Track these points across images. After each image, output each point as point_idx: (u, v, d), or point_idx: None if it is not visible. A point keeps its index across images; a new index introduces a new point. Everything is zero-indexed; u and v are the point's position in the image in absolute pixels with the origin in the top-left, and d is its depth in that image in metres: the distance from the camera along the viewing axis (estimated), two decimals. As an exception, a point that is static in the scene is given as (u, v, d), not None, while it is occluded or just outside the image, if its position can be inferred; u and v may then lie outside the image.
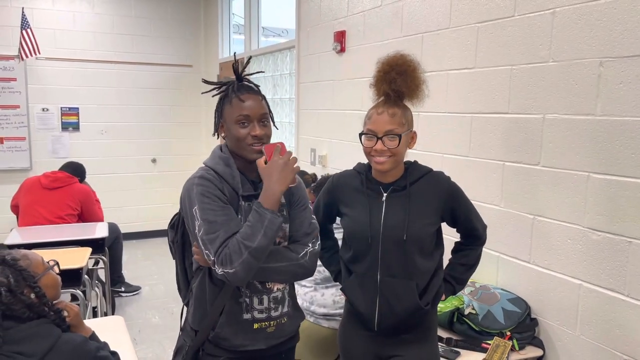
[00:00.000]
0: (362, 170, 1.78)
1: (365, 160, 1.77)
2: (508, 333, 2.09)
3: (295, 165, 1.49)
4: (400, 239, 1.64)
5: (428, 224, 1.68)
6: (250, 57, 1.86)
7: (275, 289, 1.59)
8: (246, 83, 1.58)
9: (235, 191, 1.53)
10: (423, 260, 1.69)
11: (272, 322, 1.58)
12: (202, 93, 1.69)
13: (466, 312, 2.15)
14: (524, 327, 2.12)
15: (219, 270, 1.40)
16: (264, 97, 1.59)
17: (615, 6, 1.82)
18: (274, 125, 1.62)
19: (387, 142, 1.62)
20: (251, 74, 1.62)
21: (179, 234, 1.65)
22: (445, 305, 2.20)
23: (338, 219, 1.91)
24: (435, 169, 1.75)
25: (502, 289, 2.27)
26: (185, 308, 1.67)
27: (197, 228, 1.44)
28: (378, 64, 1.70)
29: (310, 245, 1.57)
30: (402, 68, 1.65)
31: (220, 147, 1.62)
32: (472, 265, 1.83)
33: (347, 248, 1.78)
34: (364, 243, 1.69)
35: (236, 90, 1.54)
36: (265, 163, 1.49)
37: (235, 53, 1.80)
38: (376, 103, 1.71)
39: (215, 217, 1.44)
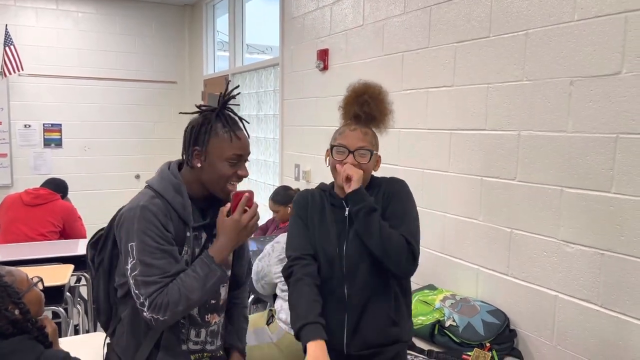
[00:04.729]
0: (326, 188, 1.77)
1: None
2: (488, 344, 2.13)
3: (254, 223, 1.44)
4: (362, 252, 1.62)
5: None
6: (238, 86, 1.73)
7: (213, 322, 1.56)
8: (231, 114, 1.51)
9: (185, 222, 1.45)
10: (387, 271, 1.64)
11: (205, 354, 1.56)
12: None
13: (447, 324, 2.19)
14: (503, 338, 2.17)
15: (147, 314, 1.36)
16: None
17: (584, 28, 1.90)
18: None
19: (358, 157, 1.63)
20: (232, 97, 1.53)
21: (103, 254, 1.56)
22: (426, 318, 2.24)
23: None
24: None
25: (481, 301, 2.32)
26: (108, 337, 1.57)
27: (129, 264, 1.38)
28: (349, 89, 1.73)
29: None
30: (374, 94, 1.69)
31: (169, 166, 1.53)
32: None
33: None
34: (330, 260, 1.64)
35: (229, 124, 1.46)
36: (228, 214, 1.43)
37: (228, 82, 1.69)
38: (347, 122, 1.72)
39: (153, 260, 1.36)
